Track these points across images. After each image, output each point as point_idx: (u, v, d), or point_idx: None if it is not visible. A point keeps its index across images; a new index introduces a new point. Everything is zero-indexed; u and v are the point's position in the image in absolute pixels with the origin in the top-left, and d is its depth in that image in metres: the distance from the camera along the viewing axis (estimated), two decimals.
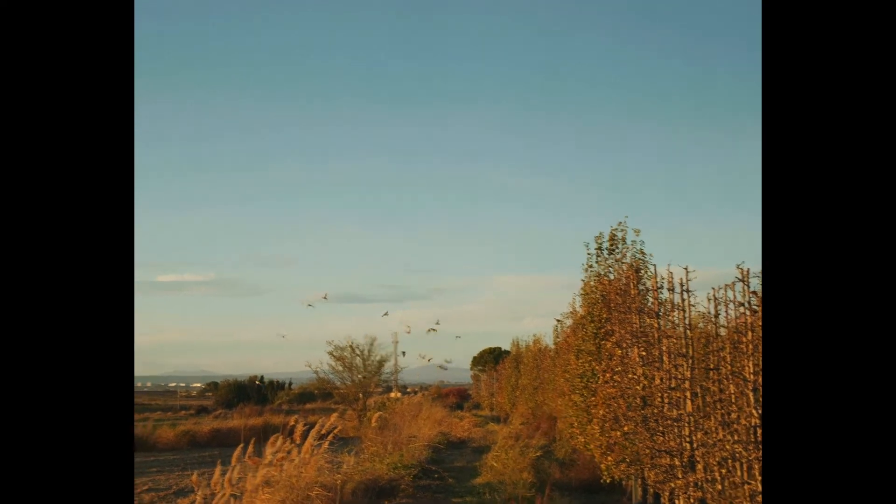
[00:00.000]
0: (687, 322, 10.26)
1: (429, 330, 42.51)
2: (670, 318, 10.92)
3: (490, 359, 75.26)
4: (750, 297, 8.19)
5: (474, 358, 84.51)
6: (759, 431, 7.64)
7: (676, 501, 10.82)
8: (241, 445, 11.88)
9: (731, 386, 8.60)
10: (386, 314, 45.45)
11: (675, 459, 10.50)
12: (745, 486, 8.16)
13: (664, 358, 11.01)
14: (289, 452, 12.26)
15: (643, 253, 15.01)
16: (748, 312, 8.23)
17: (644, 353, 12.03)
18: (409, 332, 68.13)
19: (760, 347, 7.63)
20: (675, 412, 10.52)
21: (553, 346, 28.03)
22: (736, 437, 8.35)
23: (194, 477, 11.98)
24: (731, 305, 8.75)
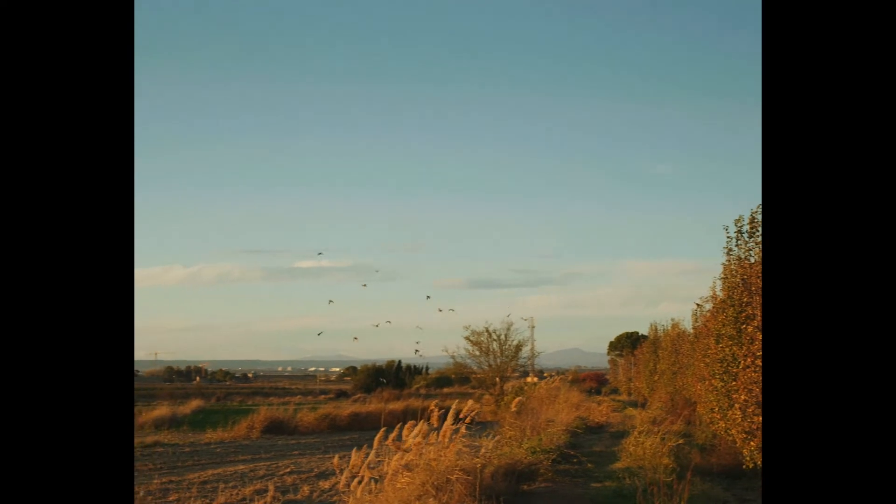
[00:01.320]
0: None
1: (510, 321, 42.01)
2: None
3: (627, 343, 74.52)
4: None
5: (611, 343, 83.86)
6: None
7: None
8: (383, 429, 12.04)
9: None
10: (428, 297, 44.85)
11: None
12: None
13: None
14: (427, 436, 12.36)
15: None
16: None
17: None
18: (533, 327, 67.98)
19: None
20: None
21: (692, 331, 27.61)
22: None
23: (336, 460, 12.19)
24: None
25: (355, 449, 11.77)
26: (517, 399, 19.58)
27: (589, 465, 17.90)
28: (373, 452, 11.70)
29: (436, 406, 13.49)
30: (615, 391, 70.33)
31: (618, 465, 17.76)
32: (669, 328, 36.48)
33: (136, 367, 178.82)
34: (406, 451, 11.84)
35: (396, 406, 42.66)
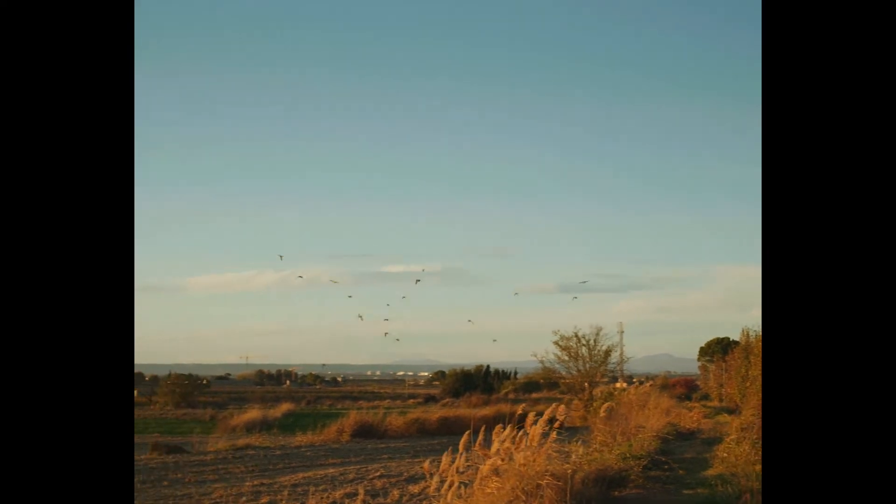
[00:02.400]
0: None
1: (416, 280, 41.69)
2: None
3: (718, 349, 73.36)
4: None
5: (701, 348, 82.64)
6: None
7: None
8: (469, 433, 12.02)
9: None
10: (418, 281, 44.48)
11: None
12: None
13: None
14: (515, 441, 12.31)
15: None
16: None
17: None
18: (622, 332, 67.38)
19: None
20: None
21: None
22: None
23: (426, 464, 12.21)
24: None
25: (445, 453, 11.78)
26: (606, 404, 19.42)
27: (680, 471, 17.67)
28: (462, 457, 11.68)
29: (523, 410, 13.44)
30: (706, 397, 69.30)
31: (710, 471, 17.49)
32: (762, 334, 35.85)
33: (227, 371, 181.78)
34: (497, 453, 11.80)
35: (485, 411, 42.58)
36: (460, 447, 11.80)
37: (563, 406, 13.31)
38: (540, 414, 12.64)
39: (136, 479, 19.41)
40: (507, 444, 12.03)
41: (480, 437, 12.17)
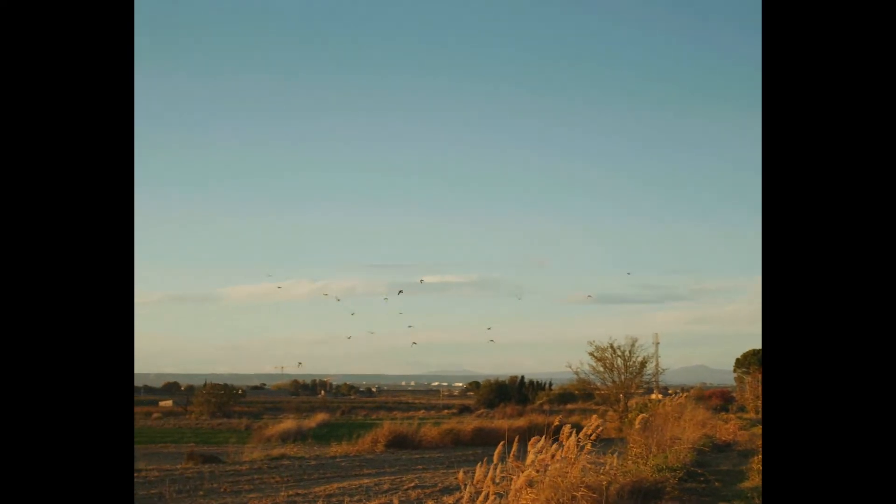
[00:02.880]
0: None
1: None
2: None
3: (754, 360, 72.78)
4: None
5: (737, 360, 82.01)
6: None
7: None
8: (503, 444, 12.00)
9: None
10: (401, 292, 44.26)
11: None
12: None
13: None
14: (550, 452, 12.28)
15: None
16: None
17: None
18: (657, 343, 67.04)
19: None
20: None
21: None
22: None
23: (460, 475, 12.19)
24: None
25: (479, 464, 11.76)
26: (641, 416, 19.32)
27: (717, 483, 17.55)
28: (497, 467, 11.66)
29: (558, 421, 13.40)
30: (742, 409, 68.76)
31: (746, 484, 17.37)
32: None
33: (262, 381, 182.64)
34: (532, 465, 11.77)
35: (520, 422, 42.47)
36: (495, 458, 11.78)
37: (596, 417, 13.28)
38: (575, 425, 12.61)
39: (172, 489, 19.56)
40: (541, 456, 12.00)
41: (514, 448, 12.14)
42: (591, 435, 12.65)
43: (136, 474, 22.97)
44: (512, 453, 12.07)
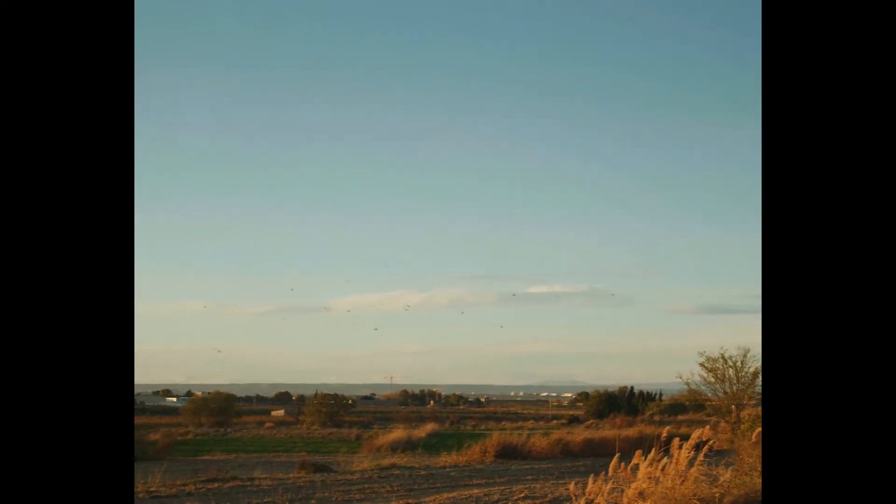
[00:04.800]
0: None
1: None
2: None
3: None
4: None
5: None
6: None
7: None
8: (617, 456, 11.93)
9: None
10: (376, 329, 43.46)
11: None
12: None
13: None
14: (662, 464, 12.16)
15: None
16: None
17: None
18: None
19: None
20: None
21: None
22: None
23: (571, 486, 12.17)
24: None
25: (592, 475, 11.71)
26: (757, 430, 18.95)
27: None
28: (610, 480, 11.60)
29: (668, 432, 13.26)
30: None
31: None
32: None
33: (372, 391, 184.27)
34: (643, 476, 11.68)
35: (630, 432, 42.05)
36: (610, 470, 11.72)
37: (709, 429, 13.10)
38: (685, 436, 12.46)
39: (284, 498, 19.86)
40: (650, 468, 11.90)
41: (633, 460, 12.05)
42: (703, 447, 12.48)
43: (249, 482, 23.45)
44: (621, 465, 11.99)
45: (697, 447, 12.51)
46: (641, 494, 11.66)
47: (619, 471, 11.91)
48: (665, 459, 12.19)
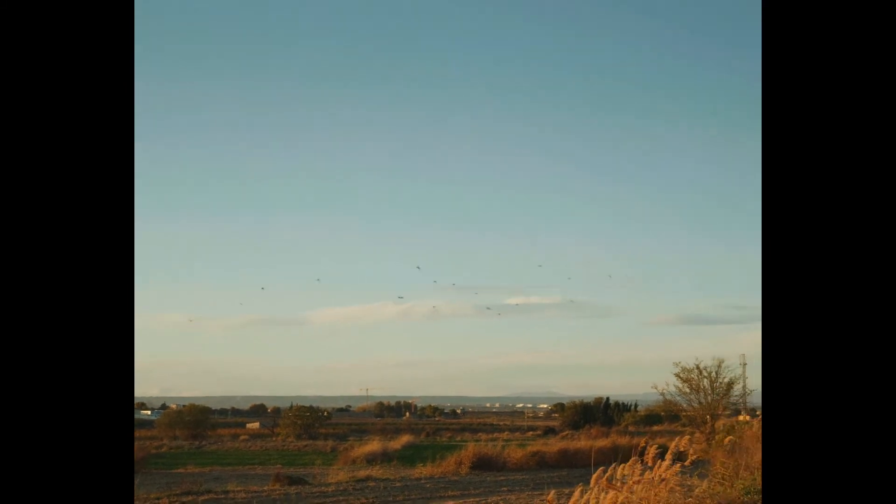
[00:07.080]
0: None
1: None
2: None
3: None
4: None
5: None
6: None
7: None
8: (601, 469, 11.96)
9: None
10: (401, 297, 43.68)
11: None
12: None
13: None
14: (635, 473, 12.20)
15: None
16: None
17: None
18: (745, 364, 65.98)
19: None
20: None
21: None
22: None
23: (550, 496, 12.18)
24: None
25: (580, 485, 11.73)
26: (729, 438, 19.06)
27: None
28: (592, 491, 11.63)
29: (645, 443, 13.31)
30: None
31: None
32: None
33: (348, 404, 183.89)
34: (619, 487, 11.71)
35: (604, 443, 42.15)
36: (592, 481, 11.75)
37: (686, 439, 13.16)
38: (661, 447, 12.51)
39: None
40: (632, 479, 11.93)
41: (609, 471, 12.08)
42: (680, 462, 12.54)
43: (224, 495, 23.34)
44: (603, 475, 12.03)
45: (678, 457, 12.56)
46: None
47: (602, 482, 11.94)
48: (641, 470, 12.23)
